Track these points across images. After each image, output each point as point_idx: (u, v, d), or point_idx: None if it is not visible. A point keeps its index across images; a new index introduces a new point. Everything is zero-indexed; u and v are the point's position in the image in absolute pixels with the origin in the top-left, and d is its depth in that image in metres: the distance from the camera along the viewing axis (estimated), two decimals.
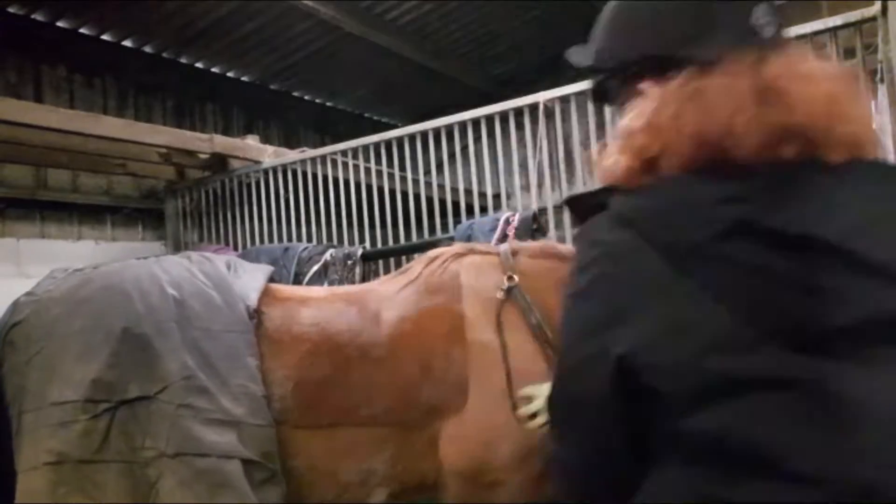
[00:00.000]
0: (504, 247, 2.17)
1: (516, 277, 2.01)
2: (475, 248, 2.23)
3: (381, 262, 4.09)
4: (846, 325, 0.75)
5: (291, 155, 4.78)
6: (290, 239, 4.40)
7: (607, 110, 3.35)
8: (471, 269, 2.08)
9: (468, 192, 3.85)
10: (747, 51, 0.89)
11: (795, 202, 0.79)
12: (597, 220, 0.90)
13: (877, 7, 2.63)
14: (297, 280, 3.68)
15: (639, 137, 0.88)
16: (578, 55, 1.16)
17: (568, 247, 2.24)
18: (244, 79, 6.67)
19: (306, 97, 7.39)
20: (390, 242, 4.42)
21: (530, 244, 2.25)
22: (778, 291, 0.78)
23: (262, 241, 4.71)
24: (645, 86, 0.95)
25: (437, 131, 3.79)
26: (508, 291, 2.00)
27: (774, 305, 0.78)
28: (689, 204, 0.83)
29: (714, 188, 0.82)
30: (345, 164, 4.30)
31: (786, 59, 0.89)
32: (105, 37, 5.41)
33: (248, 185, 4.79)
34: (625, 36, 1.04)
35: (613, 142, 0.94)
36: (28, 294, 1.95)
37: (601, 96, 1.15)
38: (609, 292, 0.85)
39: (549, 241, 2.29)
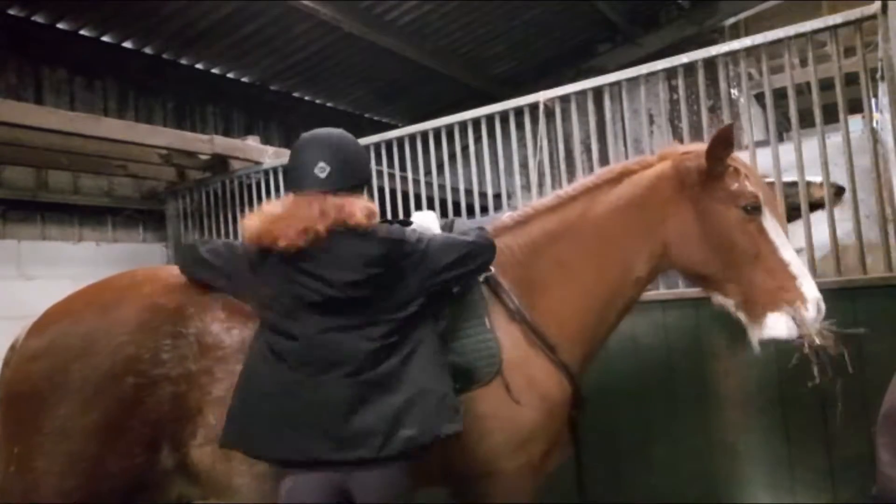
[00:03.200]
0: None
1: (492, 267, 2.11)
2: None
3: None
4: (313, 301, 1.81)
5: None
6: None
7: (608, 110, 3.35)
8: None
9: (468, 192, 3.84)
10: (311, 186, 1.87)
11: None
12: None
13: (877, 5, 2.63)
14: None
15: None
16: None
17: (512, 214, 2.35)
18: (244, 80, 6.68)
19: (306, 98, 7.40)
20: None
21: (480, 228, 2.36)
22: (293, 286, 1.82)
23: None
24: None
25: (437, 131, 3.79)
26: (486, 282, 2.13)
27: (296, 291, 1.82)
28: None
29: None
30: None
31: (312, 197, 1.85)
32: (105, 38, 5.41)
33: (249, 186, 4.79)
34: None
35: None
36: None
37: None
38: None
39: (494, 219, 2.39)
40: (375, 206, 1.92)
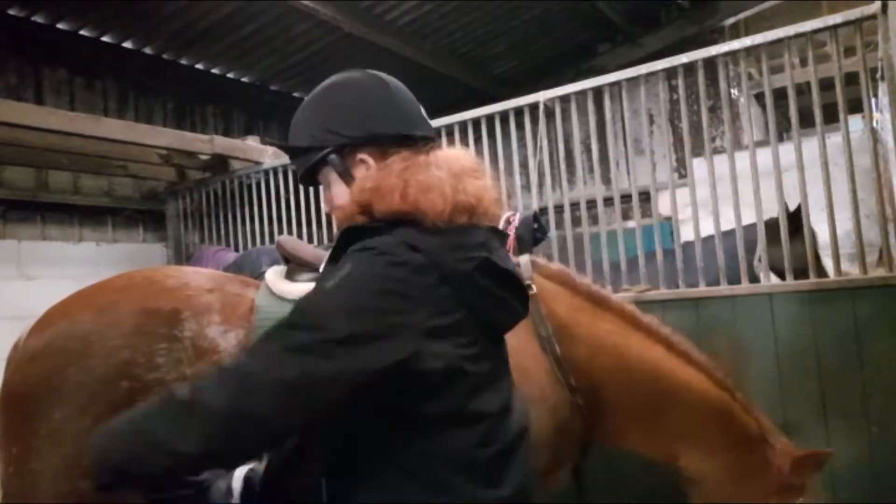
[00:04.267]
0: (526, 258, 2.20)
1: (535, 288, 2.05)
2: None
3: None
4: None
5: None
6: None
7: (608, 110, 3.35)
8: None
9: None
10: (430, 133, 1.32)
11: (495, 250, 1.19)
12: (388, 242, 1.08)
13: (877, 5, 2.63)
14: None
15: (367, 195, 1.16)
16: (296, 139, 1.48)
17: (582, 279, 2.24)
18: (244, 80, 6.67)
19: (306, 98, 7.39)
20: None
21: (550, 265, 2.26)
22: (497, 309, 1.18)
23: (262, 241, 4.71)
24: (366, 157, 1.26)
25: (437, 131, 3.78)
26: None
27: (494, 318, 1.18)
28: (459, 245, 1.12)
29: (468, 237, 1.14)
30: None
31: (449, 153, 1.25)
32: (105, 38, 5.41)
33: (249, 186, 4.79)
34: (347, 118, 1.33)
35: (346, 195, 1.25)
36: None
37: (310, 172, 1.41)
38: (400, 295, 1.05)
39: (566, 269, 2.30)
40: None
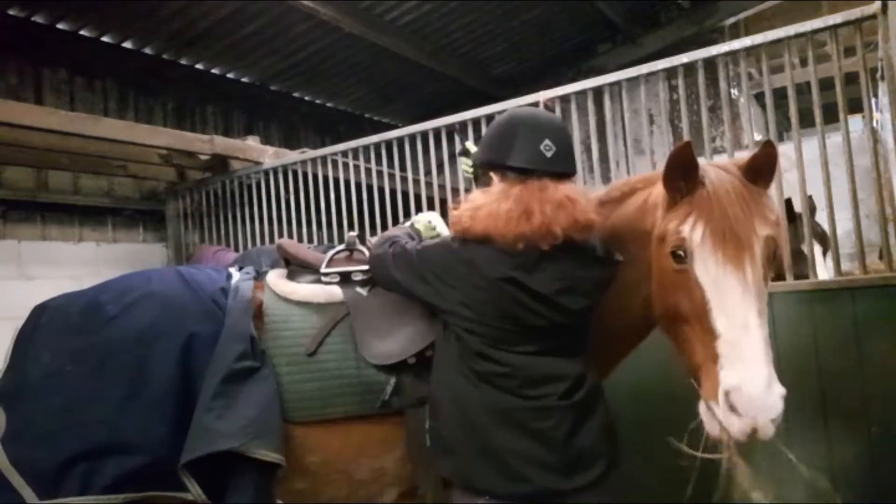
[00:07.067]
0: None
1: None
2: None
3: None
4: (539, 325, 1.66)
5: (292, 156, 4.78)
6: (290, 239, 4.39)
7: (608, 110, 3.35)
8: None
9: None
10: (537, 166, 1.64)
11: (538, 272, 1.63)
12: (446, 244, 1.77)
13: (877, 5, 2.62)
14: None
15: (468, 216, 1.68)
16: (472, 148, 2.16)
17: None
18: (244, 80, 6.67)
19: (306, 98, 7.39)
20: None
21: None
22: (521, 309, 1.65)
23: (262, 241, 4.71)
24: (493, 178, 1.74)
25: (437, 131, 3.78)
26: None
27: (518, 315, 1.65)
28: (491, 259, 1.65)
29: (506, 256, 1.63)
30: (345, 165, 4.30)
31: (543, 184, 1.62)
32: (105, 38, 5.41)
33: (249, 186, 4.79)
34: (480, 147, 1.83)
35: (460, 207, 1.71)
36: None
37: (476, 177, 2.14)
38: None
39: None
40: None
